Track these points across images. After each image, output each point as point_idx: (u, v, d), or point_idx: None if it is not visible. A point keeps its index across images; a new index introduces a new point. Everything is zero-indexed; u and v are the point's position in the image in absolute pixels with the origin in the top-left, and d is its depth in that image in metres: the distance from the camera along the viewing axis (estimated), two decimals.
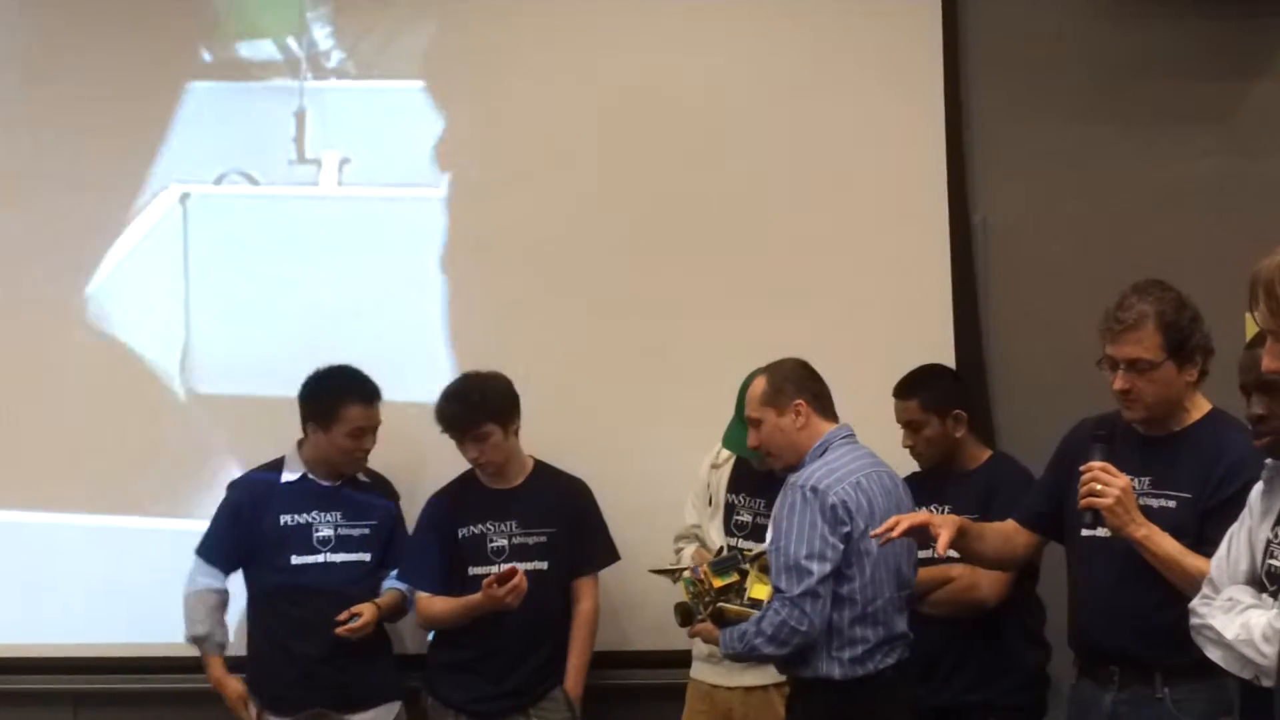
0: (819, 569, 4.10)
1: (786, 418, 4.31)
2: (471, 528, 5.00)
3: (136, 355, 5.50)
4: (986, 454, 4.86)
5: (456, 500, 5.05)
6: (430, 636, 5.15)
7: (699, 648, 4.87)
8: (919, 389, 4.78)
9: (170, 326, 5.50)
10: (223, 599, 5.12)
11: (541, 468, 5.09)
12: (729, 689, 4.85)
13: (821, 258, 5.35)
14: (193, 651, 5.17)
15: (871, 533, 4.06)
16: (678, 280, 5.37)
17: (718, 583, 4.30)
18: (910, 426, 4.75)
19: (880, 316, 5.30)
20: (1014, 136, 5.32)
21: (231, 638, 5.15)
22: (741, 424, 4.62)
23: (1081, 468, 3.74)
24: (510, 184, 5.43)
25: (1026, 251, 5.31)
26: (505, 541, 4.98)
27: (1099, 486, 3.68)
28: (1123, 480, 3.68)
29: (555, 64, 5.45)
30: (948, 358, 5.18)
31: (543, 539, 4.99)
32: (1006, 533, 4.15)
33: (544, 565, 4.95)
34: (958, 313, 5.30)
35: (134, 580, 5.39)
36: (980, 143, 5.34)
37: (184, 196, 5.54)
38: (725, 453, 4.92)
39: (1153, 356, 3.77)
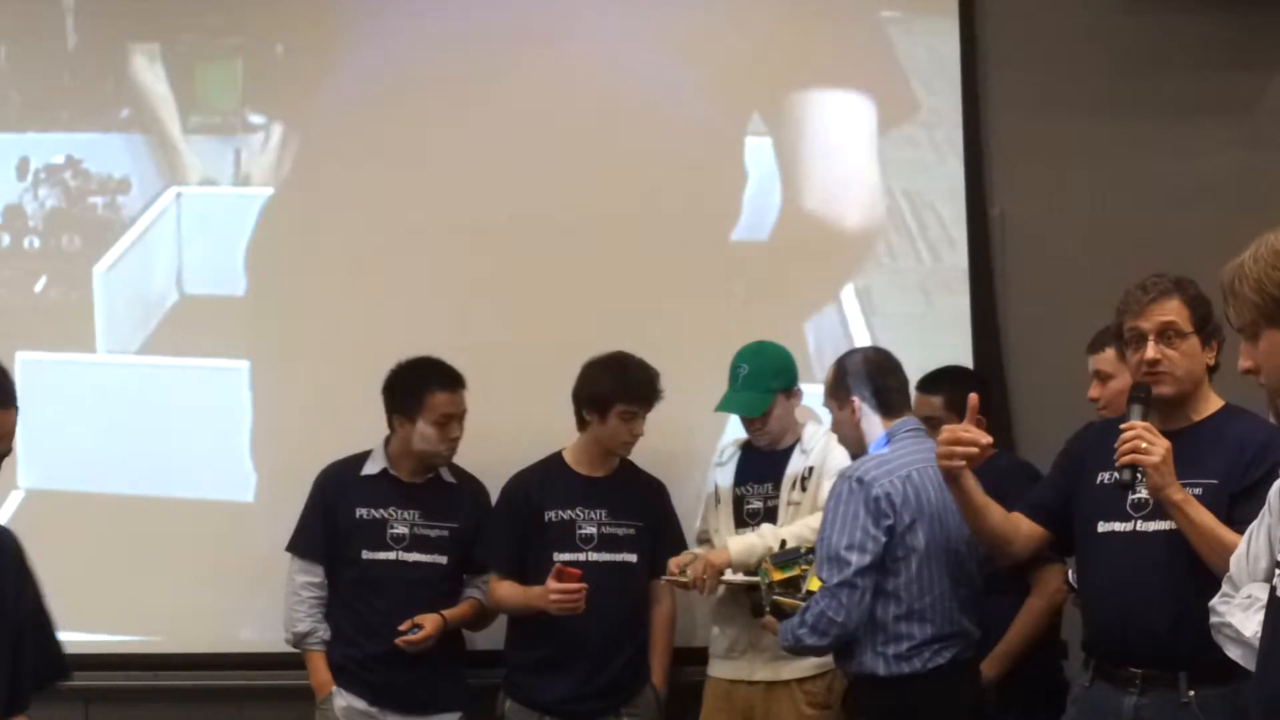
0: (858, 560, 4.07)
1: (845, 411, 4.32)
2: (561, 512, 4.88)
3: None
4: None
5: (543, 482, 4.93)
6: (501, 635, 5.02)
7: (717, 645, 4.84)
8: (945, 387, 4.73)
9: None
10: (323, 594, 5.00)
11: (626, 463, 4.99)
12: (749, 684, 4.79)
13: (838, 249, 5.35)
14: (203, 649, 5.18)
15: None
16: (687, 275, 5.35)
17: (778, 576, 4.28)
18: (928, 423, 4.60)
19: (897, 309, 5.29)
20: (1033, 129, 5.32)
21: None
22: (734, 393, 4.74)
23: (1122, 426, 3.65)
24: (528, 170, 5.39)
25: (1045, 243, 5.31)
26: (595, 529, 4.88)
27: (1144, 445, 3.59)
28: (1165, 441, 3.60)
29: (555, 58, 5.44)
30: (965, 350, 5.19)
31: (631, 531, 4.90)
32: (1011, 514, 4.01)
33: (632, 558, 4.87)
34: (975, 305, 5.29)
35: (148, 576, 5.37)
36: (998, 135, 5.35)
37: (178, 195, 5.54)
38: (727, 450, 4.93)
39: (1185, 325, 3.72)
